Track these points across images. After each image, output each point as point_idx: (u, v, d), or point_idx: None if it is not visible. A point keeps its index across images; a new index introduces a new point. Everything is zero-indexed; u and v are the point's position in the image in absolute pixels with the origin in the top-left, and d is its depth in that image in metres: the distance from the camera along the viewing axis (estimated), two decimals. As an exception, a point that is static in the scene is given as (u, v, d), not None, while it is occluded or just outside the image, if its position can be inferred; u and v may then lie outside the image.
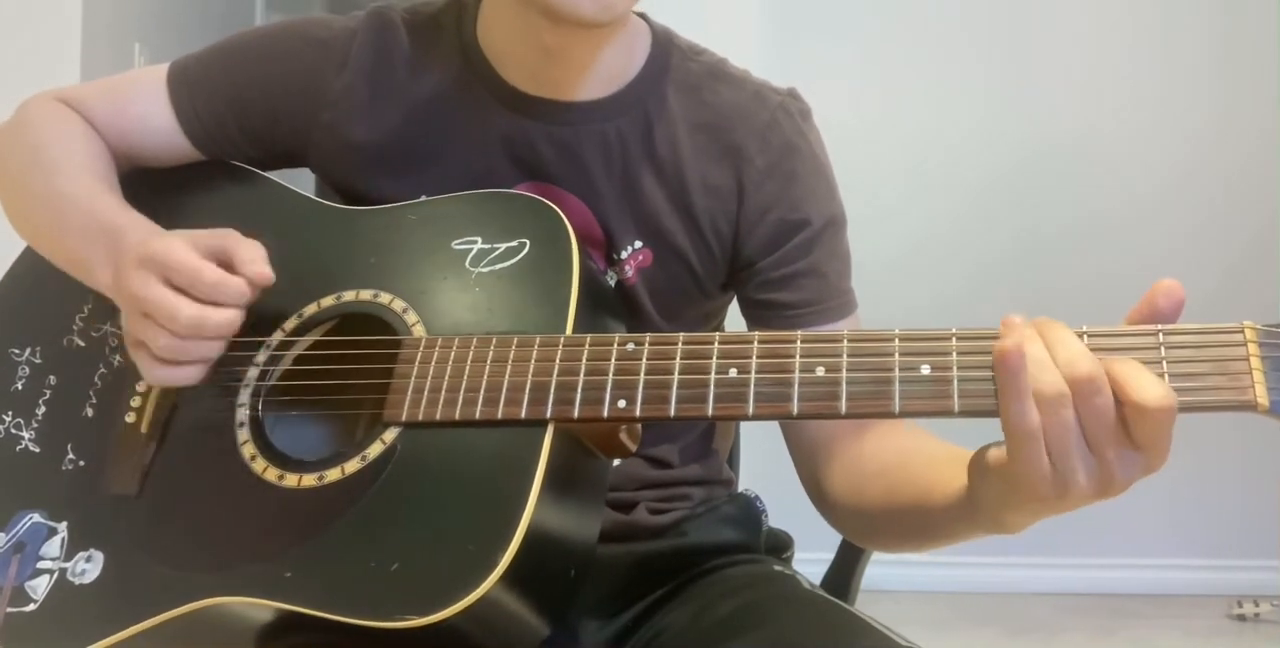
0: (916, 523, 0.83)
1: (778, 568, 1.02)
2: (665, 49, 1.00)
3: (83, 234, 0.92)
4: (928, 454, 0.84)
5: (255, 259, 0.84)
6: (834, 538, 1.14)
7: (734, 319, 1.05)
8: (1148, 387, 0.62)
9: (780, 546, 1.10)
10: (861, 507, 0.90)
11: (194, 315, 0.81)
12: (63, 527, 0.88)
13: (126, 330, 0.86)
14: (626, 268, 0.97)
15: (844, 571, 1.14)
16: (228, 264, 0.84)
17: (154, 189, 1.02)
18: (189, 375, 0.85)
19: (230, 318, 0.83)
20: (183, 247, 0.83)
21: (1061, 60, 2.91)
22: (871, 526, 0.92)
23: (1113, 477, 0.64)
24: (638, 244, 0.97)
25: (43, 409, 0.95)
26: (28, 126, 1.02)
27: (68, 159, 0.98)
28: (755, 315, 1.00)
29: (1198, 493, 2.82)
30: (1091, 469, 0.64)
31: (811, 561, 1.11)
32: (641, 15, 1.01)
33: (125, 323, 0.86)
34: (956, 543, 0.80)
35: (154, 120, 1.01)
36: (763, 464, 1.33)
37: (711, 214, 0.97)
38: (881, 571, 1.33)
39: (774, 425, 0.94)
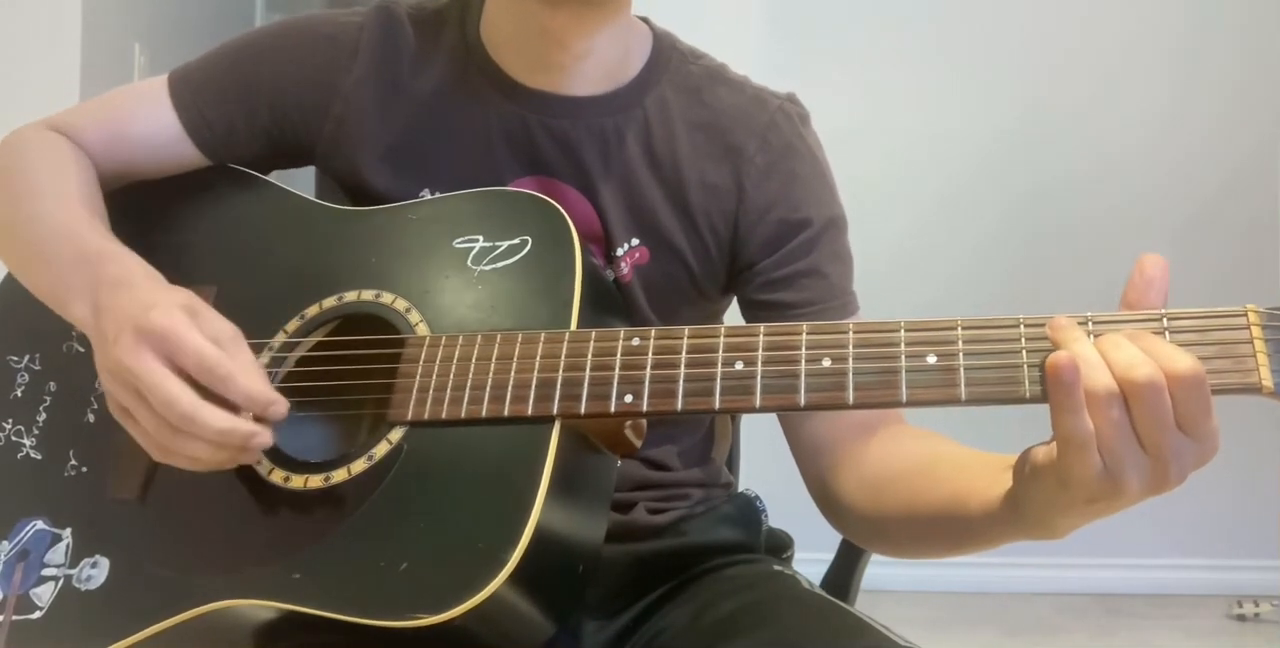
0: (949, 529, 0.80)
1: (778, 568, 1.02)
2: (666, 52, 1.01)
3: (60, 264, 0.89)
4: (954, 459, 0.83)
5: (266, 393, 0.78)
6: (834, 538, 1.13)
7: (733, 320, 1.05)
8: (1179, 358, 0.61)
9: (780, 546, 1.10)
10: (881, 514, 0.88)
11: (190, 409, 0.74)
12: (67, 533, 0.88)
13: (108, 391, 0.80)
14: (623, 265, 0.97)
15: (844, 571, 1.14)
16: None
17: (154, 197, 1.02)
18: (181, 463, 0.79)
19: (232, 426, 0.75)
20: (189, 325, 0.77)
21: (1057, 54, 2.91)
22: (892, 533, 0.90)
23: (1167, 472, 0.63)
24: (634, 242, 0.97)
25: (43, 416, 0.95)
26: (13, 154, 1.01)
27: (49, 185, 0.96)
28: (756, 317, 1.00)
29: (1197, 493, 2.80)
30: (1144, 467, 0.63)
31: (811, 561, 1.11)
32: (644, 19, 1.02)
33: (105, 382, 0.80)
34: (990, 549, 0.78)
35: (158, 135, 1.00)
36: (763, 464, 1.33)
37: (709, 213, 0.98)
38: (881, 571, 1.33)
39: (775, 426, 0.94)
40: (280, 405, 0.78)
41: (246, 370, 0.77)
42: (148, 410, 0.77)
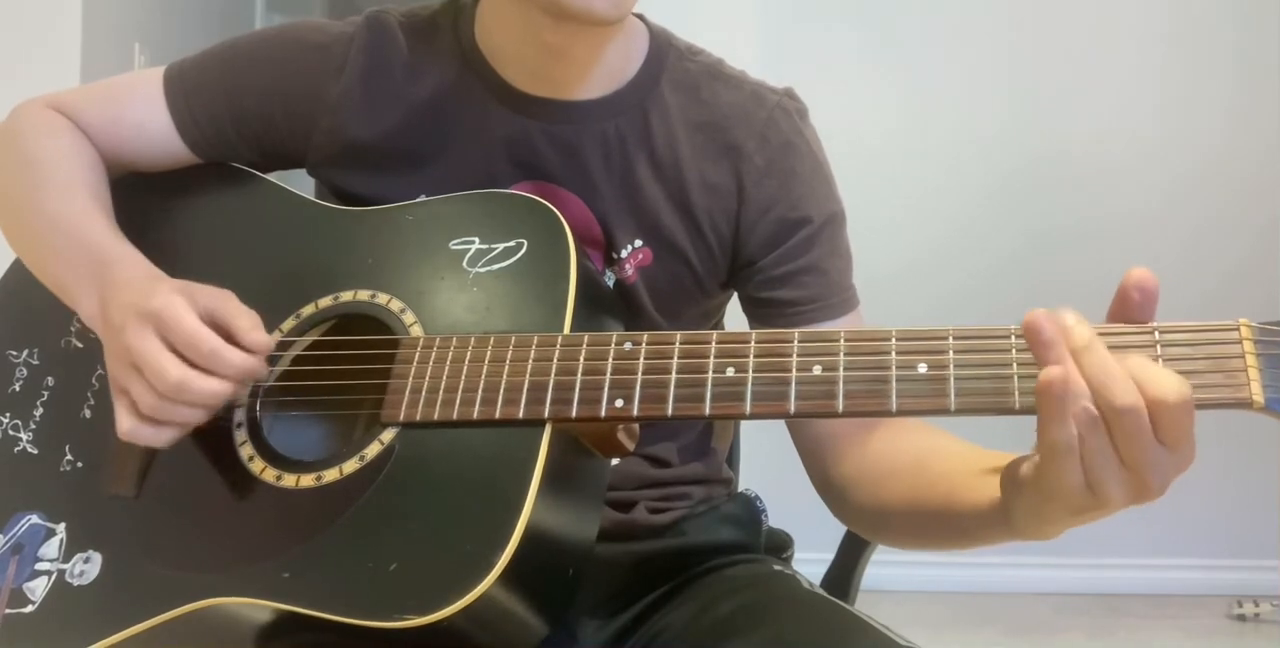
0: (944, 527, 0.81)
1: (778, 568, 1.02)
2: (663, 49, 1.00)
3: (70, 261, 0.92)
4: (947, 455, 0.83)
5: (254, 326, 0.83)
6: (834, 538, 1.14)
7: (734, 318, 1.05)
8: (1165, 383, 0.61)
9: (780, 546, 1.10)
10: (881, 508, 0.89)
11: (179, 378, 0.80)
12: (61, 528, 0.89)
13: (112, 374, 0.85)
14: (626, 267, 0.97)
15: (844, 571, 1.14)
16: (222, 326, 0.83)
17: (152, 192, 1.02)
18: (160, 438, 0.83)
19: (217, 389, 0.81)
20: (185, 308, 0.82)
21: (1072, 63, 2.90)
22: (892, 526, 0.91)
23: (1148, 484, 0.63)
24: (637, 243, 0.97)
25: (41, 411, 0.95)
26: (19, 137, 1.01)
27: (58, 175, 0.97)
28: (757, 313, 1.00)
29: (1197, 493, 2.80)
30: (1125, 480, 0.63)
31: (811, 561, 1.11)
32: (639, 16, 1.02)
33: (110, 366, 0.85)
34: (990, 545, 0.78)
35: (151, 126, 1.01)
36: (763, 464, 1.33)
37: (710, 213, 0.97)
38: (881, 571, 1.33)
39: (775, 426, 0.94)
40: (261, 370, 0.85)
41: (242, 319, 0.83)
42: (144, 385, 0.81)
